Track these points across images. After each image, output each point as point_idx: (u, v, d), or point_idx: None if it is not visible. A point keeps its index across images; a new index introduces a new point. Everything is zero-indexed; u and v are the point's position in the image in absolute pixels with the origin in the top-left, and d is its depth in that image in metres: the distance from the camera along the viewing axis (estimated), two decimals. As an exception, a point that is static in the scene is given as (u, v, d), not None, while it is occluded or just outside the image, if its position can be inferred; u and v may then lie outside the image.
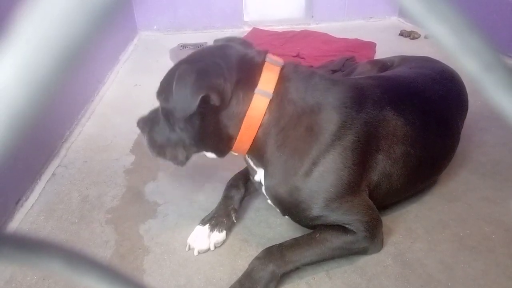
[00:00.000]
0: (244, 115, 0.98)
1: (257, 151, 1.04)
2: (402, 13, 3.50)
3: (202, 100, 0.91)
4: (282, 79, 0.99)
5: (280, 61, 1.03)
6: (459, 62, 0.16)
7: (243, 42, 1.10)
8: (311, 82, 1.02)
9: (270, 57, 1.02)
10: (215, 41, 1.13)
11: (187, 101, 0.91)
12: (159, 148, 1.10)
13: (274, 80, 0.98)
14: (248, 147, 1.02)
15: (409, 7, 0.15)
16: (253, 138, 1.00)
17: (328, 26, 3.37)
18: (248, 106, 0.97)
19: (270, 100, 0.98)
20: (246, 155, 1.11)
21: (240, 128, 0.99)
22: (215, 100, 0.93)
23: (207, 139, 1.02)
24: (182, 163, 1.10)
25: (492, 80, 0.16)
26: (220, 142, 1.03)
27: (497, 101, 0.16)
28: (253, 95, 0.97)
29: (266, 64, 1.00)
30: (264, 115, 0.98)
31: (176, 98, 0.93)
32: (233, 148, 1.04)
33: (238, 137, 1.00)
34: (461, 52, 0.15)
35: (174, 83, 0.93)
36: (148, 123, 1.11)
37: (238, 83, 0.96)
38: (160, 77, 1.09)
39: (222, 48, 1.02)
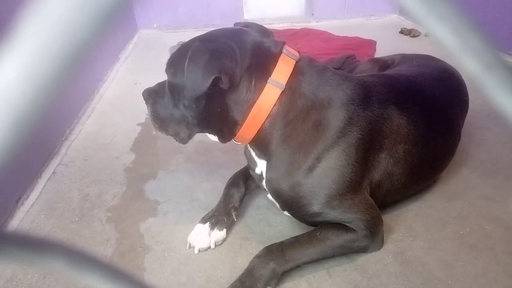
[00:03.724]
0: (253, 103, 0.97)
1: (261, 142, 1.03)
2: (403, 11, 3.49)
3: (212, 82, 0.91)
4: (296, 72, 0.99)
5: (296, 54, 1.03)
6: (460, 61, 0.16)
7: (262, 29, 1.09)
8: (323, 77, 1.02)
9: (287, 49, 1.01)
10: (235, 24, 1.12)
11: (198, 80, 0.91)
12: (161, 122, 1.09)
13: (289, 72, 0.98)
14: (253, 136, 1.02)
15: (410, 7, 0.15)
16: (259, 127, 1.00)
17: (328, 24, 3.36)
18: (259, 95, 0.97)
19: (282, 92, 0.97)
20: (248, 145, 1.11)
21: (247, 115, 0.98)
22: (225, 83, 0.93)
23: (211, 120, 1.02)
24: (184, 140, 1.09)
25: (492, 79, 0.16)
26: (225, 126, 1.02)
27: (498, 100, 0.16)
28: (265, 84, 0.97)
29: (282, 55, 0.99)
30: (274, 106, 0.98)
31: (188, 76, 0.93)
32: (237, 135, 1.03)
33: (244, 124, 1.00)
34: (462, 52, 0.15)
35: (187, 61, 0.92)
36: (153, 95, 1.09)
37: (249, 70, 0.96)
38: (160, 75, 1.09)
39: (238, 33, 1.01)
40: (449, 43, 0.15)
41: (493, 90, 0.16)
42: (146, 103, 1.11)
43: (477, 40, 0.15)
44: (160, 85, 1.10)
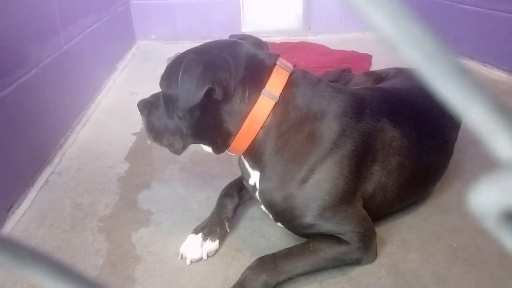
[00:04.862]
0: (247, 114, 0.98)
1: (255, 153, 1.04)
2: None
3: (206, 93, 0.92)
4: (290, 84, 1.00)
5: (290, 66, 1.04)
6: (401, 52, 0.16)
7: (257, 42, 1.11)
8: (317, 89, 1.03)
9: (281, 61, 1.03)
10: (231, 36, 1.14)
11: (192, 92, 0.92)
12: (156, 133, 1.09)
13: (282, 84, 0.99)
14: (246, 147, 1.02)
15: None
16: (253, 138, 1.00)
17: (325, 38, 3.40)
18: (253, 106, 0.98)
19: (276, 103, 0.98)
20: (242, 156, 1.11)
21: (241, 126, 0.99)
22: (218, 94, 0.94)
23: (204, 131, 1.02)
24: (178, 151, 1.10)
25: (434, 69, 0.16)
26: (218, 137, 1.03)
27: (440, 90, 0.16)
28: (259, 96, 0.98)
29: (276, 67, 1.00)
30: (268, 117, 0.99)
31: (181, 88, 0.94)
32: (231, 146, 1.04)
33: (237, 135, 1.00)
34: (402, 42, 0.15)
35: (181, 72, 0.94)
36: (148, 106, 1.10)
37: (243, 81, 0.97)
38: (157, 86, 1.09)
39: (232, 45, 1.03)
40: (389, 33, 0.15)
41: (435, 79, 0.16)
42: (141, 114, 1.12)
43: (417, 30, 0.15)
44: (155, 96, 1.11)
